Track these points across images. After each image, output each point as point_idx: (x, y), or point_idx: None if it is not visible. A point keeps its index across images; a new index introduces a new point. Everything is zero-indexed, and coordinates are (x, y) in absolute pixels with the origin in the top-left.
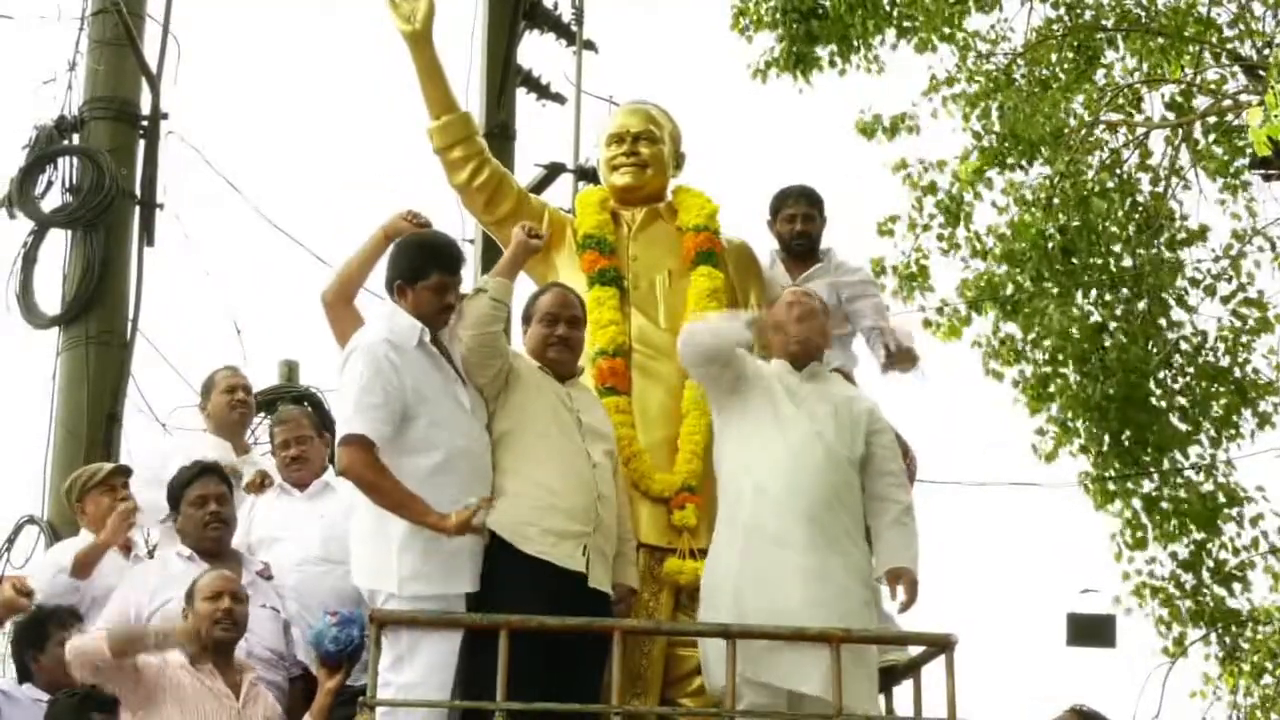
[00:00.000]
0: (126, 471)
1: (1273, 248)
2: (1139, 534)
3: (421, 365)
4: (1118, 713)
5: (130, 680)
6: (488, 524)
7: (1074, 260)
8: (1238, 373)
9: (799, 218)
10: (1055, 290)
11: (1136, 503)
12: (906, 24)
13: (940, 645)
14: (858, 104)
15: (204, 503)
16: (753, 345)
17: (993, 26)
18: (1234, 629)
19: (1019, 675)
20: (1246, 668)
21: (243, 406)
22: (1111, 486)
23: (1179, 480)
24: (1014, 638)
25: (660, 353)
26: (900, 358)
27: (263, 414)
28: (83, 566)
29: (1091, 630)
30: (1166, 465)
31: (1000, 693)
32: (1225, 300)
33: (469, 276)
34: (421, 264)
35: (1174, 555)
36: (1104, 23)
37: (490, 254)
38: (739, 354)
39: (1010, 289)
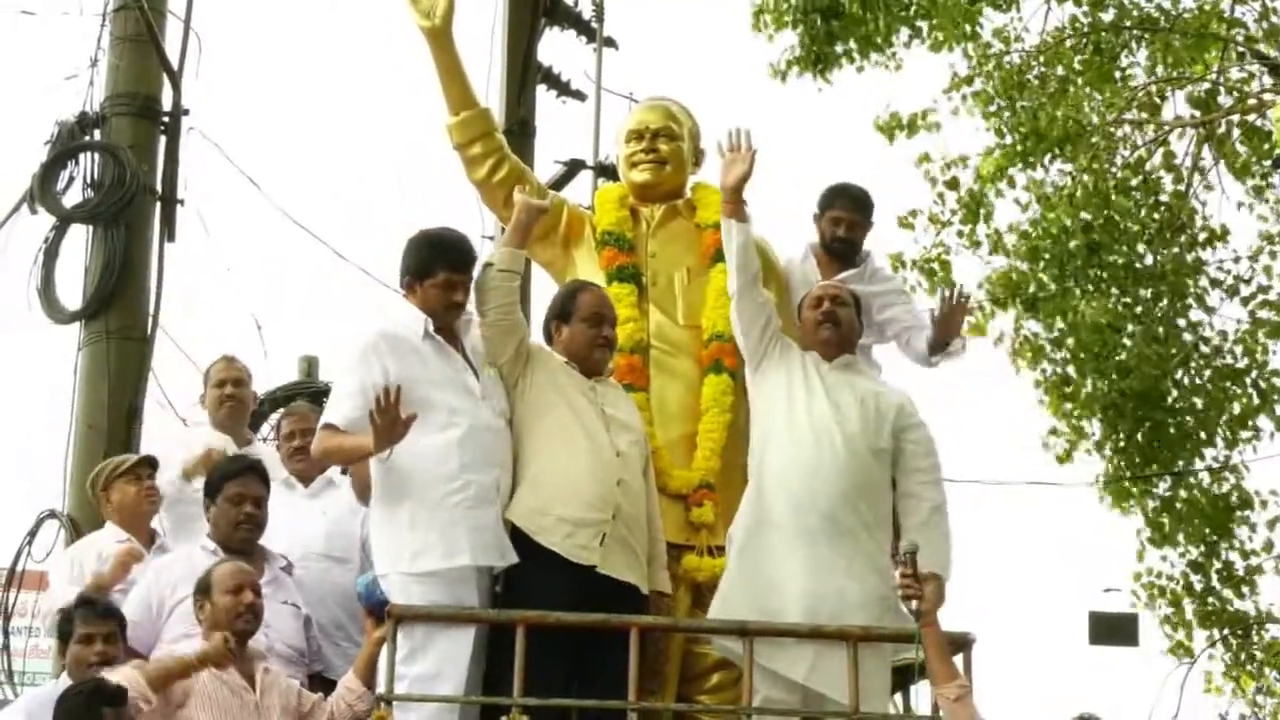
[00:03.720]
0: (153, 463)
1: None
2: (1157, 534)
3: (425, 354)
4: (1140, 712)
5: (163, 699)
6: (508, 516)
7: (1098, 257)
8: (1255, 375)
9: (844, 223)
10: (1078, 289)
11: (1151, 504)
12: (921, 24)
13: (958, 644)
14: (876, 99)
15: (241, 501)
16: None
17: (1006, 27)
18: (1240, 633)
19: (1041, 674)
20: (1267, 672)
21: (231, 400)
22: (1130, 488)
23: (1192, 481)
24: (1036, 636)
25: (679, 349)
26: (950, 317)
27: (281, 410)
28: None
29: (1114, 629)
30: (1180, 466)
31: (1022, 691)
32: (1245, 301)
33: None
34: (430, 262)
35: (1183, 555)
36: (1124, 24)
37: None
38: (775, 319)
39: (1033, 286)
